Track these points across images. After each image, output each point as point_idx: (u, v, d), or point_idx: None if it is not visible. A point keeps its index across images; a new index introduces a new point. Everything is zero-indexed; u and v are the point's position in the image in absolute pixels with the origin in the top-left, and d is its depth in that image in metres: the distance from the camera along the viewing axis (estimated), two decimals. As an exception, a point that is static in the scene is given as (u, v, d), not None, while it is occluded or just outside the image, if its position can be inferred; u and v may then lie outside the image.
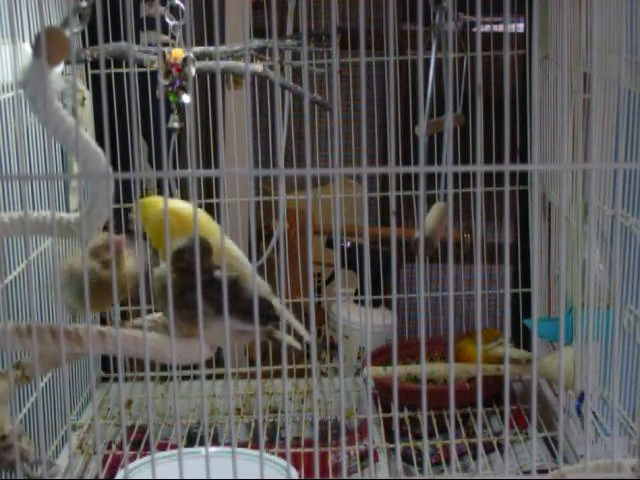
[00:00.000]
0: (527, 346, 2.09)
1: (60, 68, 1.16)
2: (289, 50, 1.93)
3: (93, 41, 1.94)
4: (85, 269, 1.06)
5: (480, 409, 1.62)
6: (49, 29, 1.03)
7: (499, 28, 2.05)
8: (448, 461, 1.77)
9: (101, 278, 1.29)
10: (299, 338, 1.60)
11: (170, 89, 1.67)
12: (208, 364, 2.11)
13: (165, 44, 1.70)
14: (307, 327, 2.07)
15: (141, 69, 1.83)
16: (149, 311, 1.42)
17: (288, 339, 1.33)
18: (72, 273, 1.33)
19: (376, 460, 1.79)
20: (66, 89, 1.79)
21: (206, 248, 1.21)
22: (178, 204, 1.56)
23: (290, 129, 2.15)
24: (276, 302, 1.54)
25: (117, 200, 1.99)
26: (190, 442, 1.89)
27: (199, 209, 1.60)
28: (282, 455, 1.66)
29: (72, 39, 1.69)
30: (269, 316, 1.27)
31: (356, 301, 2.33)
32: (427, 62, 1.89)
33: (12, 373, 1.31)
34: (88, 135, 1.13)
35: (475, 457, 1.80)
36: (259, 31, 2.13)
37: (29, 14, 1.67)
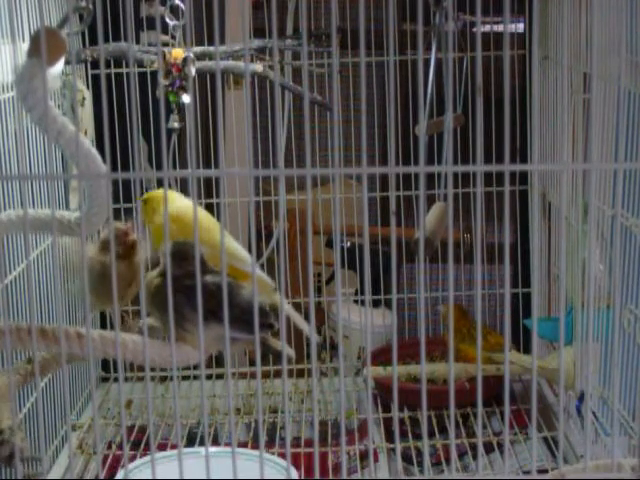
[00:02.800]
0: (527, 346, 2.10)
1: (59, 68, 1.16)
2: (289, 50, 1.93)
3: (93, 41, 1.94)
4: (85, 266, 1.06)
5: (480, 409, 1.62)
6: (44, 29, 1.03)
7: (499, 28, 2.04)
8: (448, 461, 1.77)
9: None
10: (297, 340, 1.59)
11: (170, 89, 1.67)
12: (208, 364, 2.11)
13: (165, 44, 1.70)
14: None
15: (141, 69, 1.83)
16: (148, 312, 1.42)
17: (281, 345, 1.32)
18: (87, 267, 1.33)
19: (376, 460, 1.79)
20: (61, 89, 1.79)
21: (190, 253, 1.19)
22: (179, 205, 1.56)
23: (290, 129, 2.15)
24: (276, 299, 1.53)
25: (117, 200, 1.99)
26: (190, 442, 1.89)
27: (200, 209, 1.60)
28: (282, 455, 1.66)
29: (72, 39, 1.69)
30: (262, 325, 1.25)
31: (356, 301, 2.33)
32: (427, 62, 1.89)
33: (12, 373, 1.31)
34: (82, 136, 1.13)
35: (475, 457, 1.80)
36: (259, 31, 2.13)
37: (29, 14, 1.67)
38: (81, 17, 1.68)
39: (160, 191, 1.62)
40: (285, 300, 1.34)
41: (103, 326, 2.09)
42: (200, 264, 1.19)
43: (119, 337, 1.19)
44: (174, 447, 1.82)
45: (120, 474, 1.59)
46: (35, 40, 1.10)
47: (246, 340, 1.22)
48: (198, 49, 1.81)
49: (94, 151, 1.15)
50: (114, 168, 0.96)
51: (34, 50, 1.09)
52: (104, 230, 1.39)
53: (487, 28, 2.05)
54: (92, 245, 1.43)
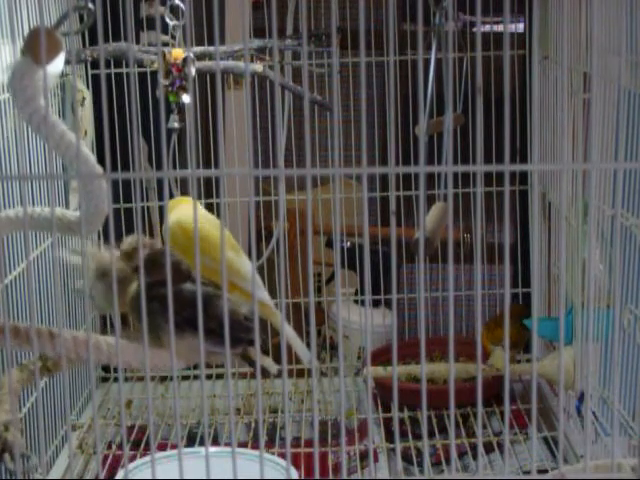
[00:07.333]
0: (527, 346, 2.09)
1: (55, 68, 1.16)
2: (289, 50, 1.93)
3: (93, 41, 1.94)
4: (85, 266, 1.06)
5: (480, 409, 1.62)
6: (38, 29, 1.03)
7: (499, 28, 2.04)
8: (448, 461, 1.77)
9: (131, 280, 1.28)
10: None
11: (170, 89, 1.67)
12: (208, 364, 2.11)
13: (165, 44, 1.70)
14: (307, 327, 2.07)
15: (141, 69, 1.83)
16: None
17: (265, 360, 1.31)
18: (102, 273, 1.33)
19: (376, 460, 1.79)
20: (56, 88, 1.79)
21: (162, 261, 1.17)
22: (186, 213, 1.54)
23: (290, 129, 2.15)
24: (277, 319, 1.52)
25: (117, 200, 1.99)
26: (190, 442, 1.89)
27: (212, 218, 1.59)
28: (282, 455, 1.66)
29: (72, 39, 1.69)
30: (240, 339, 1.23)
31: (356, 301, 2.32)
32: (427, 62, 1.89)
33: (12, 374, 1.31)
34: (74, 137, 1.13)
35: (475, 457, 1.80)
36: (259, 31, 2.13)
37: (29, 14, 1.67)
38: (81, 17, 1.68)
39: (182, 198, 1.62)
40: (286, 323, 1.33)
41: (103, 327, 2.10)
42: (176, 273, 1.16)
43: (92, 339, 1.19)
44: (174, 447, 1.82)
45: (120, 474, 1.59)
46: (28, 39, 1.10)
47: (223, 354, 1.19)
48: (198, 49, 1.81)
49: (87, 151, 1.15)
50: (114, 168, 0.96)
51: (27, 49, 1.09)
52: (125, 241, 1.39)
53: (487, 28, 2.05)
54: (115, 252, 1.43)
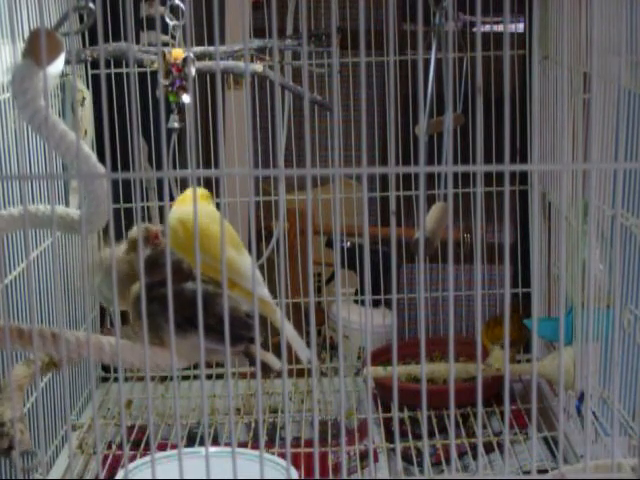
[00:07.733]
0: (527, 346, 2.10)
1: (55, 69, 1.16)
2: (289, 50, 1.93)
3: (93, 41, 1.94)
4: (86, 264, 1.06)
5: (480, 409, 1.62)
6: (39, 30, 1.03)
7: (499, 28, 2.04)
8: (448, 461, 1.77)
9: (136, 277, 1.28)
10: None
11: (170, 89, 1.67)
12: (208, 364, 2.11)
13: (165, 44, 1.70)
14: (307, 327, 2.07)
15: (141, 69, 1.83)
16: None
17: (267, 357, 1.31)
18: (109, 266, 1.33)
19: (376, 460, 1.79)
20: (56, 89, 1.79)
21: (162, 261, 1.17)
22: (187, 209, 1.53)
23: (290, 129, 2.15)
24: (277, 316, 1.52)
25: (117, 200, 1.99)
26: (190, 442, 1.89)
27: (215, 214, 1.58)
28: (282, 455, 1.66)
29: (72, 39, 1.69)
30: (242, 337, 1.23)
31: (356, 301, 2.32)
32: (427, 62, 1.89)
33: (18, 370, 1.31)
34: (74, 135, 1.13)
35: (475, 457, 1.80)
36: (259, 31, 2.13)
37: (29, 14, 1.67)
38: (81, 17, 1.68)
39: (189, 191, 1.60)
40: (287, 321, 1.32)
41: (103, 326, 2.09)
42: (177, 272, 1.17)
43: (93, 339, 1.19)
44: (174, 447, 1.82)
45: (120, 474, 1.59)
46: (29, 41, 1.10)
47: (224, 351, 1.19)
48: (198, 49, 1.81)
49: (88, 151, 1.15)
50: (114, 168, 0.96)
51: (28, 51, 1.09)
52: (132, 230, 1.39)
53: (487, 28, 2.05)
54: (120, 244, 1.43)
